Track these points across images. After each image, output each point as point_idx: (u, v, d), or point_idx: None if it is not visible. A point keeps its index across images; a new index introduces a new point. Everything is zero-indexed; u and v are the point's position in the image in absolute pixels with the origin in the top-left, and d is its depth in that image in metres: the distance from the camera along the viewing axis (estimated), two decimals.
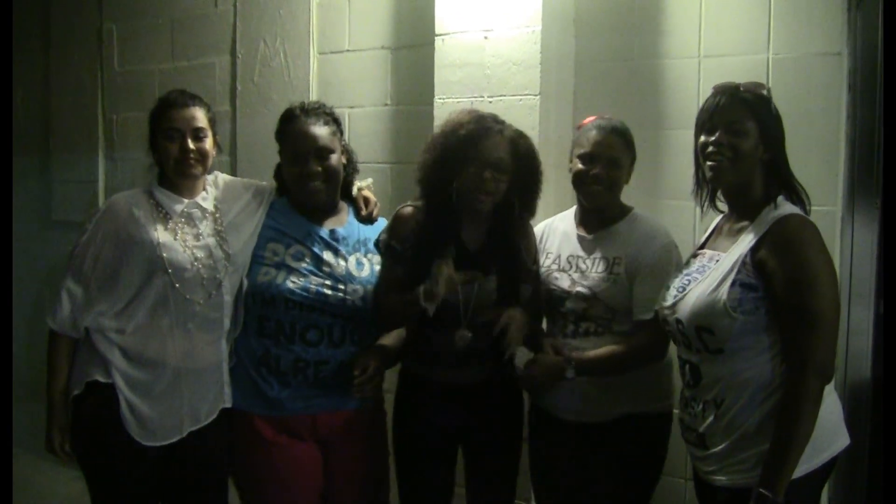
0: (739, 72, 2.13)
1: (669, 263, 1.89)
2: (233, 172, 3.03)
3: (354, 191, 2.16)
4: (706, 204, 1.78)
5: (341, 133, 2.09)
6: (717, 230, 1.80)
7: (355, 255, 2.04)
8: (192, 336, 1.95)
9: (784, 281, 1.54)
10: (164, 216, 1.97)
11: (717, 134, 1.64)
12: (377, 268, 2.03)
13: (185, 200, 2.00)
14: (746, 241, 1.62)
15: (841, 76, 2.14)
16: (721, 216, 1.81)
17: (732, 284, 1.59)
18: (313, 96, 2.87)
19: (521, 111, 2.34)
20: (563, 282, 2.01)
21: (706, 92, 1.72)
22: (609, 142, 1.95)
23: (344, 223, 2.09)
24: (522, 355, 1.99)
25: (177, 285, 1.91)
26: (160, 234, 1.93)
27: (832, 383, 1.62)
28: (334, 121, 2.05)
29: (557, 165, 2.41)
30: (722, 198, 1.77)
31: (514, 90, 2.35)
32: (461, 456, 2.08)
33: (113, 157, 3.51)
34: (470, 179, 1.87)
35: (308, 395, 1.98)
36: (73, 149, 3.61)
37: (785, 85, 2.16)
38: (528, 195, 1.98)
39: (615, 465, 1.95)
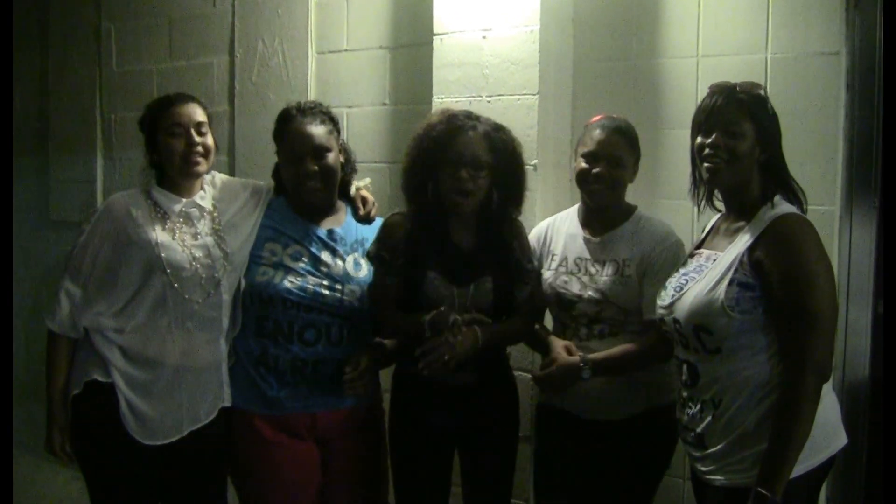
0: (738, 71, 2.14)
1: (678, 263, 1.89)
2: (231, 172, 3.03)
3: (352, 190, 2.16)
4: (703, 203, 1.78)
5: (338, 132, 2.09)
6: (714, 229, 1.80)
7: (353, 254, 2.04)
8: (191, 335, 1.95)
9: (781, 280, 1.54)
10: (163, 216, 1.97)
11: (713, 136, 1.64)
12: None
13: (184, 200, 2.00)
14: (744, 240, 1.62)
15: (839, 76, 2.14)
16: (718, 216, 1.81)
17: (730, 284, 1.59)
18: (312, 96, 2.87)
19: (520, 111, 2.34)
20: (573, 285, 2.00)
21: (704, 91, 1.72)
22: (612, 141, 1.94)
23: (342, 223, 2.09)
24: None
25: (175, 285, 1.91)
26: (158, 234, 1.93)
27: (830, 383, 1.62)
28: (331, 120, 2.05)
29: (556, 165, 2.42)
30: (719, 197, 1.77)
31: (512, 90, 2.35)
32: (458, 457, 2.07)
33: (111, 156, 3.51)
34: (447, 180, 1.86)
35: (307, 395, 1.98)
36: (72, 148, 3.61)
37: (783, 84, 2.16)
38: (512, 190, 1.93)
39: (633, 460, 1.96)
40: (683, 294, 1.67)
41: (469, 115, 1.92)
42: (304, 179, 1.98)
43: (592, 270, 1.99)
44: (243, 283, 2.01)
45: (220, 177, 2.14)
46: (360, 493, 2.08)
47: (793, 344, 1.54)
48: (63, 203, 3.66)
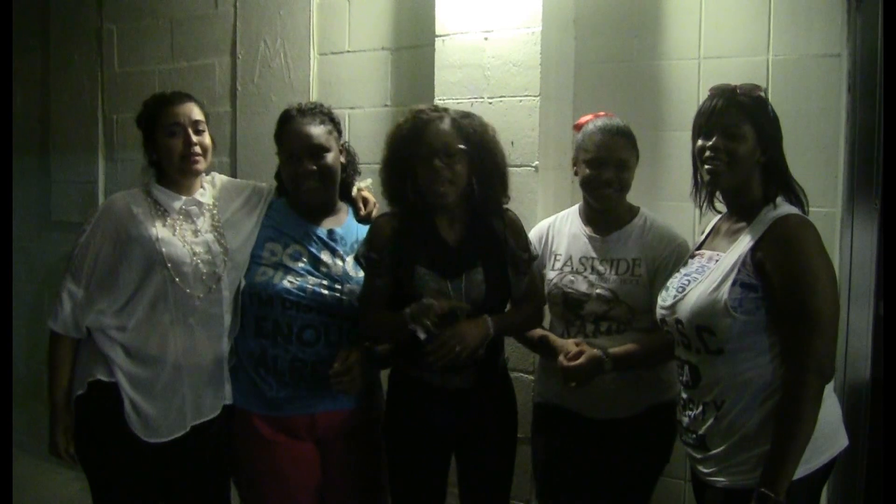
0: (739, 73, 2.14)
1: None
2: (233, 173, 3.03)
3: (354, 191, 2.16)
4: (705, 205, 1.78)
5: (339, 133, 2.09)
6: (714, 230, 1.80)
7: (353, 255, 2.04)
8: (193, 331, 1.95)
9: (783, 280, 1.55)
10: (163, 213, 1.97)
11: (714, 138, 1.64)
12: None
13: (183, 197, 2.01)
14: (746, 240, 1.62)
15: (840, 77, 2.14)
16: (718, 216, 1.81)
17: (733, 284, 1.59)
18: (313, 97, 2.87)
19: (521, 112, 2.34)
20: (580, 284, 2.00)
21: (706, 93, 1.72)
22: (616, 144, 1.95)
23: (342, 223, 2.09)
24: None
25: (176, 279, 1.92)
26: (159, 230, 1.93)
27: (831, 385, 1.62)
28: (331, 120, 2.06)
29: (557, 167, 2.42)
30: (720, 199, 1.77)
31: (514, 91, 2.36)
32: (455, 460, 2.05)
33: (112, 157, 3.52)
34: (424, 174, 1.85)
35: (306, 395, 1.98)
36: (73, 149, 3.61)
37: (784, 86, 2.16)
38: (491, 175, 1.90)
39: (634, 457, 1.97)
40: (686, 294, 1.67)
41: (435, 109, 1.92)
42: (302, 179, 1.98)
43: (601, 269, 1.99)
44: (243, 283, 2.01)
45: (220, 177, 2.14)
46: (359, 493, 2.08)
47: (795, 344, 1.54)
48: (64, 204, 3.66)
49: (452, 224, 1.93)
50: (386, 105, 2.81)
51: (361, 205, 2.15)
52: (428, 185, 1.85)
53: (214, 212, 2.04)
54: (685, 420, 1.73)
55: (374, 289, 1.92)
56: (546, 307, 2.09)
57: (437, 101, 2.46)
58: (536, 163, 2.33)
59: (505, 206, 1.98)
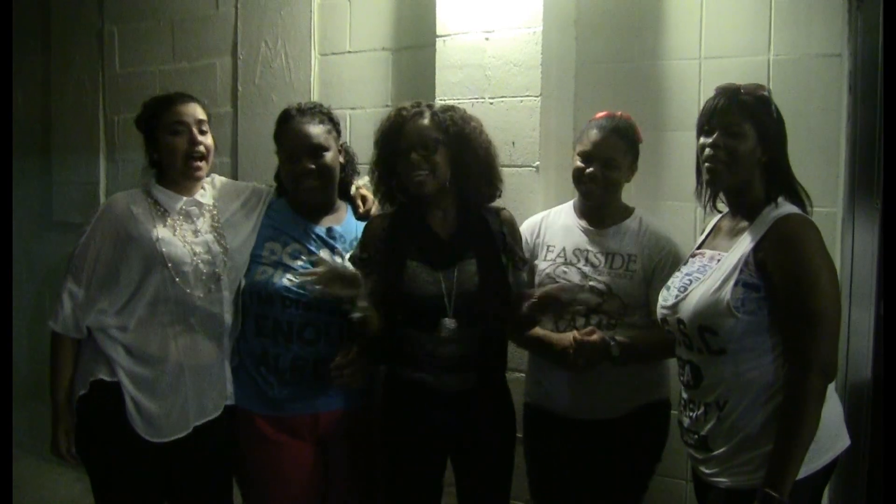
0: (740, 73, 2.14)
1: (680, 263, 1.89)
2: (234, 174, 3.04)
3: (353, 190, 2.17)
4: (708, 205, 1.78)
5: (338, 132, 2.10)
6: (715, 229, 1.81)
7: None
8: (194, 331, 1.96)
9: (784, 280, 1.55)
10: (163, 213, 1.98)
11: (714, 136, 1.65)
12: None
13: (184, 198, 2.01)
14: (748, 240, 1.62)
15: (841, 77, 2.14)
16: (719, 216, 1.81)
17: (735, 284, 1.59)
18: (314, 97, 2.87)
19: (522, 112, 2.34)
20: (573, 276, 2.00)
21: (707, 93, 1.72)
22: (608, 142, 1.96)
23: (342, 221, 2.10)
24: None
25: (176, 279, 1.92)
26: (159, 230, 1.94)
27: (833, 384, 1.62)
28: (330, 120, 2.07)
29: (558, 166, 2.42)
30: (724, 199, 1.77)
31: (514, 91, 2.35)
32: (451, 463, 2.03)
33: (114, 158, 3.51)
34: (403, 168, 1.87)
35: (308, 395, 1.99)
36: (74, 150, 3.61)
37: (785, 86, 2.16)
38: (474, 166, 1.90)
39: (625, 458, 1.97)
40: (688, 294, 1.67)
41: (417, 104, 1.93)
42: (300, 177, 1.99)
43: (595, 261, 2.00)
44: (243, 283, 2.02)
45: (219, 178, 2.15)
46: (361, 494, 2.08)
47: (797, 344, 1.54)
48: (65, 204, 3.66)
49: (445, 218, 1.94)
50: (387, 105, 2.80)
51: (360, 202, 2.15)
52: (407, 178, 1.86)
53: (214, 212, 2.04)
54: (686, 421, 1.73)
55: (366, 288, 1.92)
56: None
57: (438, 102, 2.46)
58: (537, 163, 2.33)
59: (498, 197, 1.98)
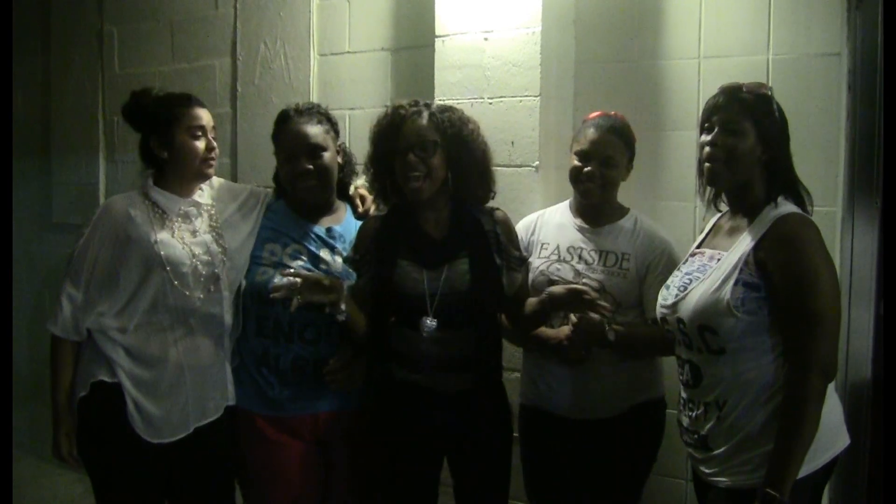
0: (739, 72, 2.14)
1: (677, 264, 1.89)
2: (233, 174, 3.04)
3: (351, 189, 2.18)
4: (709, 204, 1.78)
5: (336, 133, 2.10)
6: (715, 228, 1.80)
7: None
8: (194, 332, 1.96)
9: (784, 279, 1.54)
10: (161, 215, 1.98)
11: (713, 134, 1.65)
12: None
13: (182, 199, 2.01)
14: (748, 239, 1.62)
15: (840, 76, 2.14)
16: (718, 215, 1.81)
17: (735, 284, 1.58)
18: (314, 98, 2.88)
19: (522, 112, 2.34)
20: (566, 273, 2.00)
21: (706, 93, 1.72)
22: (604, 141, 1.96)
23: (341, 221, 2.10)
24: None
25: (175, 281, 1.92)
26: (157, 232, 1.94)
27: (832, 384, 1.62)
28: (328, 120, 2.07)
29: (558, 166, 2.42)
30: (725, 198, 1.77)
31: (514, 91, 2.36)
32: (448, 464, 2.01)
33: (113, 159, 3.52)
34: (399, 168, 1.85)
35: (308, 395, 1.98)
36: (74, 151, 3.61)
37: (785, 85, 2.16)
38: (469, 168, 1.89)
39: (620, 458, 1.98)
40: (688, 294, 1.67)
41: (414, 103, 1.91)
42: (299, 178, 1.99)
43: (589, 259, 2.00)
44: (244, 283, 2.02)
45: (217, 179, 2.15)
46: (361, 494, 2.07)
47: (797, 344, 1.54)
48: (65, 206, 3.67)
49: (438, 219, 1.93)
50: (386, 106, 2.80)
51: (359, 202, 2.16)
52: (403, 178, 1.85)
53: (212, 212, 2.05)
54: (685, 420, 1.73)
55: (357, 289, 1.92)
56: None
57: (438, 102, 2.46)
58: (537, 163, 2.33)
59: (492, 199, 1.98)
